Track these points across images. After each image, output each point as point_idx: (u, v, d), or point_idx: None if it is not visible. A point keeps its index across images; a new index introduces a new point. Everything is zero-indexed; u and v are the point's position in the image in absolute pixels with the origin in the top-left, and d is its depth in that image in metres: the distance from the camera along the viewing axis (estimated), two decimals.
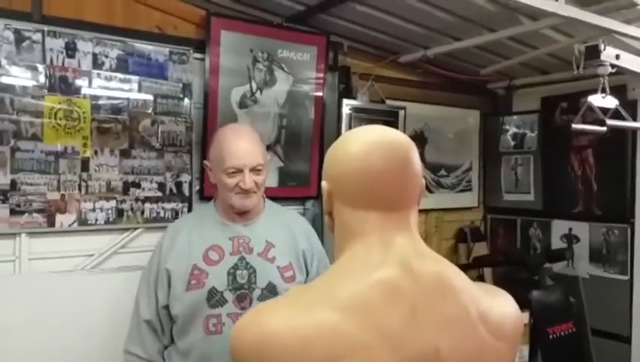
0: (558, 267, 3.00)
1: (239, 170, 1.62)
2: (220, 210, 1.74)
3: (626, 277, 2.80)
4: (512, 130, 3.35)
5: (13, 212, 1.90)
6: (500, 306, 0.90)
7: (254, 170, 1.64)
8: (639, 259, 2.75)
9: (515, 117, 3.35)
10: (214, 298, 1.60)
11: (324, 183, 0.93)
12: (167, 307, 1.64)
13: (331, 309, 0.78)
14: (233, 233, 1.69)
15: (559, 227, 3.10)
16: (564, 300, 2.73)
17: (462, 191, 3.37)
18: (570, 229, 3.04)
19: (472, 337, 0.83)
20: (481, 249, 3.35)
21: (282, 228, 1.77)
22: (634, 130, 2.68)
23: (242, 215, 1.71)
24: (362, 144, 0.88)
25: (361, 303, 0.79)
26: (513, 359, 0.90)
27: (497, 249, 3.39)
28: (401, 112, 2.88)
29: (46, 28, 1.96)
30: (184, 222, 1.81)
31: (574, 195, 3.01)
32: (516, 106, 3.40)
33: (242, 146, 1.64)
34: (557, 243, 3.10)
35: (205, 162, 1.77)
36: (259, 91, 2.40)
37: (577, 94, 2.82)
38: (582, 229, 2.99)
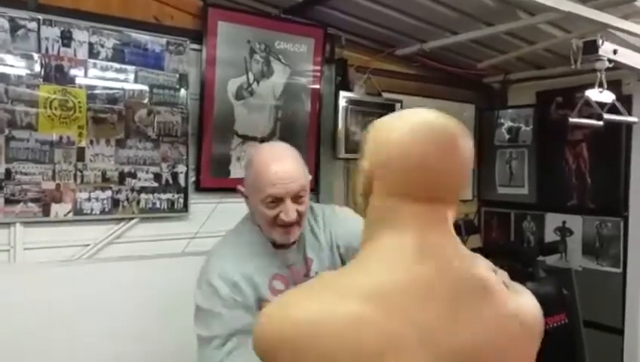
0: (552, 260, 3.02)
1: (279, 200, 1.39)
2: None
3: (619, 270, 2.83)
4: (507, 123, 3.36)
5: (7, 201, 1.89)
6: (527, 302, 0.88)
7: (296, 197, 1.40)
8: (632, 252, 2.78)
9: (510, 111, 3.36)
10: None
11: (364, 163, 0.87)
12: None
13: (364, 301, 0.74)
14: (288, 260, 1.48)
15: (553, 220, 3.12)
16: (557, 292, 2.74)
17: None
18: (564, 222, 3.06)
19: (506, 334, 0.81)
20: (474, 242, 3.36)
21: (315, 236, 1.55)
22: (628, 125, 2.69)
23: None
24: (409, 125, 0.83)
25: (395, 297, 0.76)
26: (536, 352, 0.89)
27: (491, 242, 3.41)
28: (398, 105, 2.88)
29: (41, 16, 1.94)
30: (239, 267, 1.43)
31: (568, 189, 3.03)
32: (511, 100, 3.40)
33: (281, 171, 1.38)
34: (550, 236, 3.12)
35: (239, 187, 1.50)
36: (256, 83, 2.39)
37: (572, 89, 2.86)
38: (575, 222, 3.01)
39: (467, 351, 0.77)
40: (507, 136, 3.35)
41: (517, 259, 2.88)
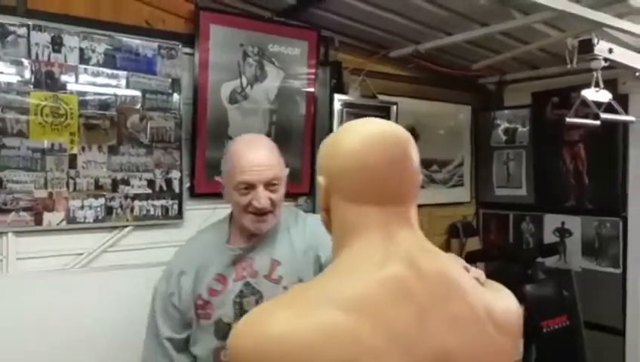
0: (551, 261, 3.00)
1: (252, 186, 1.42)
2: (232, 228, 1.57)
3: (619, 271, 2.81)
4: (504, 125, 3.35)
5: None
6: (503, 301, 0.88)
7: (269, 185, 1.43)
8: (631, 252, 2.76)
9: (506, 111, 3.35)
10: (223, 330, 1.47)
11: (320, 178, 0.89)
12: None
13: (336, 309, 0.74)
14: (236, 257, 1.52)
15: (551, 221, 3.10)
16: (558, 294, 2.73)
17: (454, 186, 3.36)
18: (563, 223, 3.05)
19: (481, 335, 0.81)
20: (473, 244, 3.34)
21: (291, 241, 1.54)
22: (625, 124, 2.68)
23: (254, 236, 1.53)
24: (361, 137, 0.86)
25: (367, 303, 0.75)
26: (516, 353, 0.89)
27: (490, 244, 3.39)
28: (393, 108, 2.86)
29: (31, 22, 1.91)
30: (185, 260, 1.59)
31: (566, 189, 3.01)
32: (507, 101, 3.39)
33: (255, 159, 1.42)
34: (549, 237, 3.10)
35: (217, 178, 1.55)
36: (249, 86, 2.37)
37: (568, 89, 2.85)
38: (574, 223, 3.00)
39: (442, 356, 0.76)
40: (504, 137, 3.34)
41: (516, 260, 2.87)
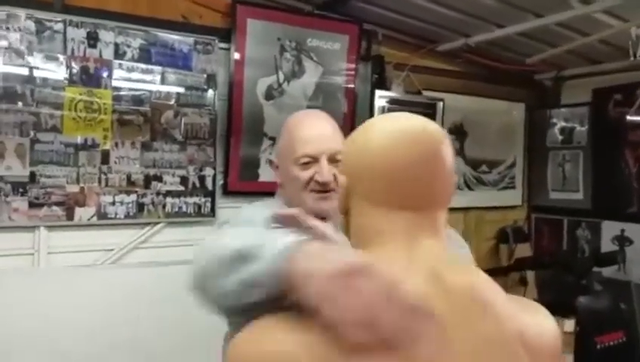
0: (608, 271, 2.79)
1: (314, 159, 1.25)
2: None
3: None
4: (560, 123, 3.15)
5: (32, 205, 1.88)
6: (538, 324, 0.78)
7: (333, 159, 1.25)
8: None
9: (563, 109, 3.16)
10: None
11: (342, 178, 0.82)
12: None
13: None
14: None
15: (610, 228, 2.89)
16: (614, 307, 2.54)
17: (504, 188, 3.19)
18: (623, 231, 2.83)
19: (508, 358, 0.71)
20: (524, 250, 3.17)
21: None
22: None
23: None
24: (389, 134, 0.77)
25: None
26: None
27: (542, 251, 3.22)
28: (439, 104, 2.73)
29: (68, 18, 1.93)
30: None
31: (628, 194, 2.80)
32: (565, 98, 3.20)
33: (317, 130, 1.28)
34: (607, 245, 2.90)
35: (271, 158, 1.45)
36: (286, 82, 2.30)
37: (633, 85, 2.64)
38: (636, 231, 2.78)
39: None
40: (560, 137, 3.15)
41: (570, 270, 2.69)
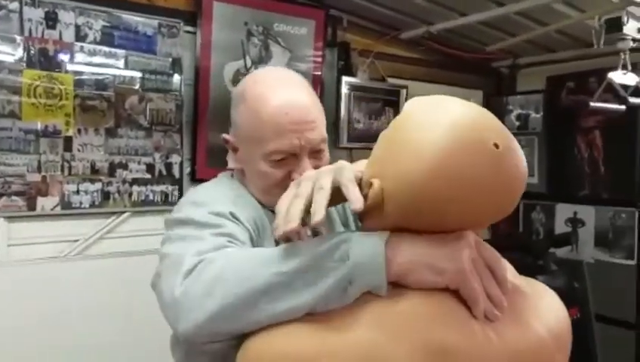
0: (563, 252, 2.91)
1: (292, 155, 0.96)
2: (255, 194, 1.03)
3: (633, 262, 2.72)
4: (516, 110, 3.23)
5: None
6: (556, 309, 0.78)
7: (315, 151, 0.98)
8: None
9: (519, 97, 3.24)
10: None
11: (375, 182, 0.66)
12: None
13: (370, 328, 0.62)
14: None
15: (564, 211, 3.00)
16: (569, 286, 2.64)
17: None
18: (575, 213, 2.95)
19: (541, 356, 0.71)
20: (482, 234, 3.25)
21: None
22: None
23: None
24: (450, 128, 0.64)
25: (408, 320, 0.63)
26: None
27: (499, 233, 3.30)
28: (403, 91, 2.76)
29: None
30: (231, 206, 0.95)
31: (580, 178, 2.91)
32: (521, 86, 3.29)
33: (295, 113, 0.94)
34: (561, 227, 3.01)
35: (225, 136, 1.05)
36: (254, 67, 2.27)
37: (585, 73, 2.74)
38: (587, 213, 2.90)
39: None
40: (517, 123, 3.23)
41: (527, 251, 2.78)
